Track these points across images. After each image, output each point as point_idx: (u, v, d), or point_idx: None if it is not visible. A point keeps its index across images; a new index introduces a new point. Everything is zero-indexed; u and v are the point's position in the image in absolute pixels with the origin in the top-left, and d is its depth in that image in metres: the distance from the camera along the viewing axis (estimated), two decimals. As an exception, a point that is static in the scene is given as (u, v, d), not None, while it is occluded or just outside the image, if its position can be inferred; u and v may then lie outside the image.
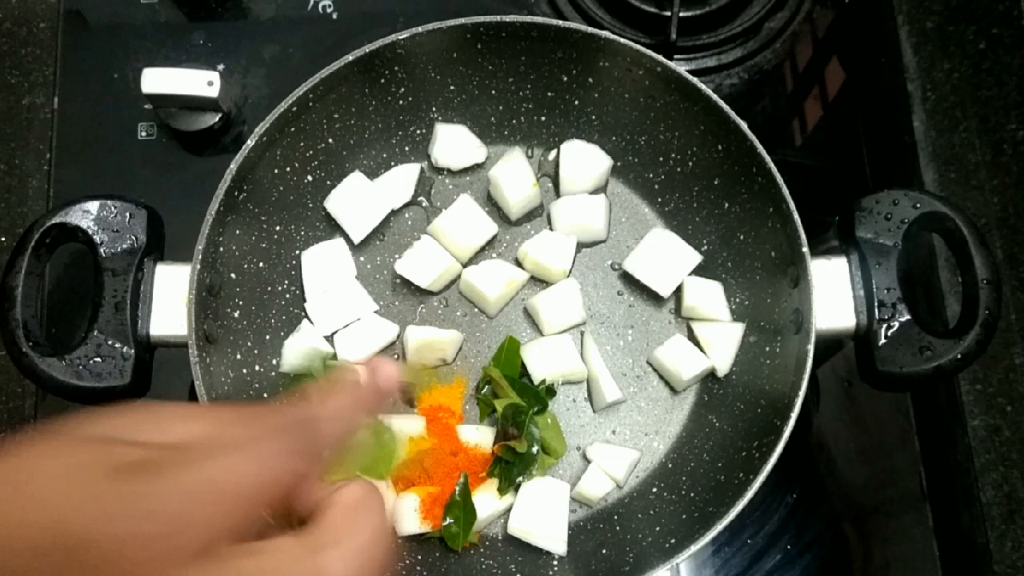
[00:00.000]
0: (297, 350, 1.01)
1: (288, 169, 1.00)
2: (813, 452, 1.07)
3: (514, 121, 1.09)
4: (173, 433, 0.48)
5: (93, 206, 0.92)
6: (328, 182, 1.05)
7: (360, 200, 1.05)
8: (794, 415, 0.86)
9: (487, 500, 0.97)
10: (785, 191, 0.91)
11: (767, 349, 0.97)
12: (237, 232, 0.96)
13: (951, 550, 1.03)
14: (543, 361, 1.01)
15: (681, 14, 1.12)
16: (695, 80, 0.94)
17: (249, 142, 0.92)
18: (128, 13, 1.19)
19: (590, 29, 0.95)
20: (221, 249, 0.93)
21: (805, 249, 0.89)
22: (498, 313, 1.06)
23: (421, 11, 1.15)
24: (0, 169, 1.16)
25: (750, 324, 1.01)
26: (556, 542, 0.95)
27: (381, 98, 1.03)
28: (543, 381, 1.01)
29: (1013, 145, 1.14)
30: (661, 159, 1.06)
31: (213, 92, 1.08)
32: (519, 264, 1.06)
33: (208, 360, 0.89)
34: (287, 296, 1.04)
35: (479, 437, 0.99)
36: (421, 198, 1.10)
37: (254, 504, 0.48)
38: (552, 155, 1.10)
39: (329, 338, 1.03)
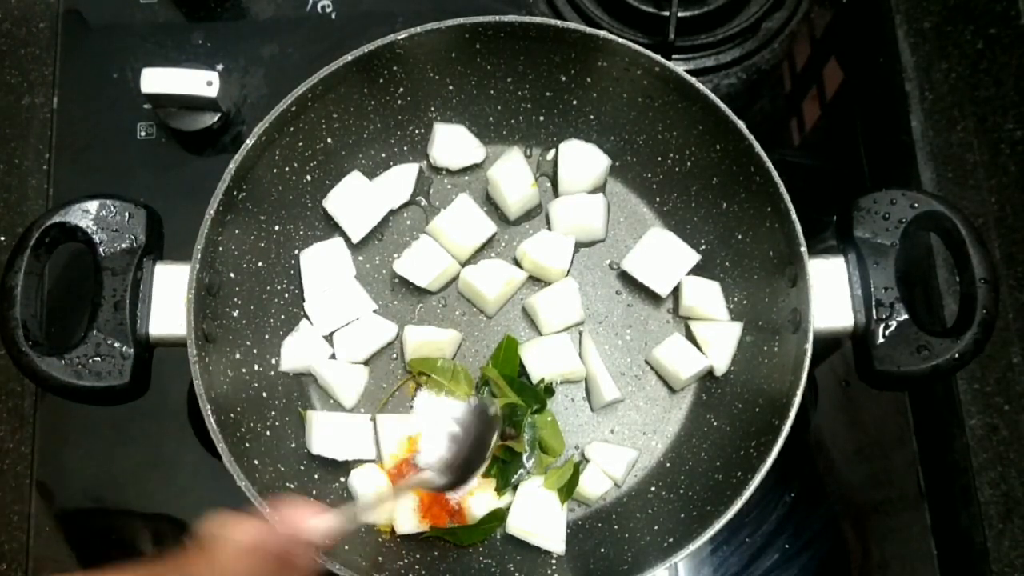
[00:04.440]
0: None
1: (287, 169, 1.00)
2: (811, 451, 1.07)
3: (512, 121, 1.09)
4: None
5: (92, 206, 0.92)
6: (327, 182, 1.06)
7: (359, 200, 1.05)
8: (792, 414, 0.86)
9: (485, 500, 0.97)
10: (783, 191, 0.91)
11: (765, 348, 0.98)
12: (236, 232, 0.96)
13: (949, 549, 1.03)
14: (542, 360, 1.02)
15: (679, 14, 1.13)
16: (693, 80, 0.94)
17: (248, 142, 0.92)
18: (128, 13, 1.19)
19: (588, 29, 0.95)
20: (220, 249, 0.94)
21: (803, 248, 0.89)
22: (497, 312, 1.06)
23: (420, 11, 1.15)
24: (0, 169, 1.16)
25: (748, 323, 1.01)
26: (554, 541, 0.96)
27: (380, 98, 1.03)
28: (542, 380, 1.01)
29: (1011, 145, 1.14)
30: (659, 159, 1.06)
31: (212, 92, 1.08)
32: (518, 264, 1.06)
33: (207, 359, 0.89)
34: (286, 296, 1.04)
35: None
36: (420, 198, 1.10)
37: None
38: (551, 155, 1.10)
39: (328, 337, 1.03)
